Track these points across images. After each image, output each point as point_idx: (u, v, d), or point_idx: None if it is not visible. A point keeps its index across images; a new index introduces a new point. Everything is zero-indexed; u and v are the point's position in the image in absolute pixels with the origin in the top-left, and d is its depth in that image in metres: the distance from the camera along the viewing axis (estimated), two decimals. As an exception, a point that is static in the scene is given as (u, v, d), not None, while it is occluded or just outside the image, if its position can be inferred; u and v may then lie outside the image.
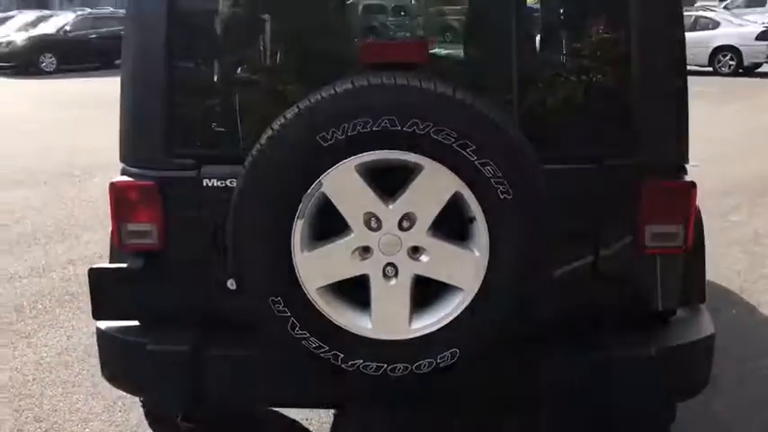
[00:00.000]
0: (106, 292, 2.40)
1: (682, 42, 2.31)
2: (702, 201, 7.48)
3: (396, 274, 2.05)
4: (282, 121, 1.97)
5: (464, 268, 2.03)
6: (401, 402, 2.37)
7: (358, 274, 2.06)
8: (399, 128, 1.91)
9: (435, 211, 1.99)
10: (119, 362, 2.50)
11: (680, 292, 2.37)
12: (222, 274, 2.28)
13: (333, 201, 2.00)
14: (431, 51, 2.47)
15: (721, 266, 5.08)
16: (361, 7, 3.31)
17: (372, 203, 2.00)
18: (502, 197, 1.95)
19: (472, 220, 2.00)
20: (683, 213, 2.25)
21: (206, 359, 2.35)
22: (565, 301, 2.27)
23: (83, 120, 12.37)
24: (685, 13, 16.22)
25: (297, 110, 1.96)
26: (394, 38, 3.13)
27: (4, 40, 21.64)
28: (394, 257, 2.03)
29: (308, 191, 1.98)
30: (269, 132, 1.99)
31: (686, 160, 2.31)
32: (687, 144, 2.29)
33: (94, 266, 2.42)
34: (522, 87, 2.42)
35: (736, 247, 5.52)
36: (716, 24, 18.91)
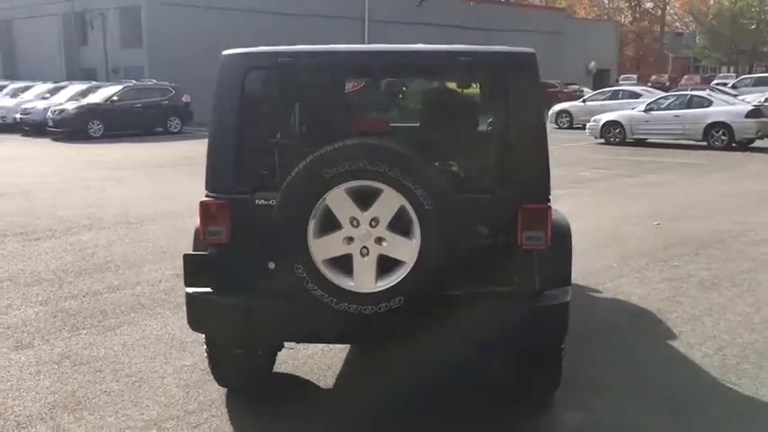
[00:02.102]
0: (194, 269, 3.76)
1: (542, 120, 3.71)
2: (656, 250, 9.16)
3: (368, 254, 3.39)
4: (304, 163, 3.39)
5: (407, 250, 3.39)
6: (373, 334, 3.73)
7: (346, 253, 3.43)
8: (369, 167, 3.32)
9: (390, 215, 3.36)
10: (199, 312, 3.84)
11: (551, 278, 3.66)
12: (265, 258, 3.66)
13: (332, 209, 3.39)
14: (391, 125, 3.98)
15: (651, 296, 6.49)
16: (352, 98, 4.91)
17: (355, 211, 3.37)
18: (427, 208, 3.35)
19: (411, 221, 3.37)
20: (544, 224, 3.59)
21: (253, 308, 3.74)
22: (477, 279, 3.65)
23: (129, 178, 14.25)
24: (679, 93, 17.89)
25: (312, 157, 3.39)
26: (372, 115, 4.68)
27: (57, 108, 23.24)
28: (366, 243, 3.39)
29: (317, 203, 3.38)
30: (296, 170, 3.42)
31: (548, 192, 3.64)
32: (549, 182, 3.63)
33: (187, 253, 3.85)
34: (446, 147, 3.92)
35: (667, 283, 6.88)
36: (709, 103, 20.23)
